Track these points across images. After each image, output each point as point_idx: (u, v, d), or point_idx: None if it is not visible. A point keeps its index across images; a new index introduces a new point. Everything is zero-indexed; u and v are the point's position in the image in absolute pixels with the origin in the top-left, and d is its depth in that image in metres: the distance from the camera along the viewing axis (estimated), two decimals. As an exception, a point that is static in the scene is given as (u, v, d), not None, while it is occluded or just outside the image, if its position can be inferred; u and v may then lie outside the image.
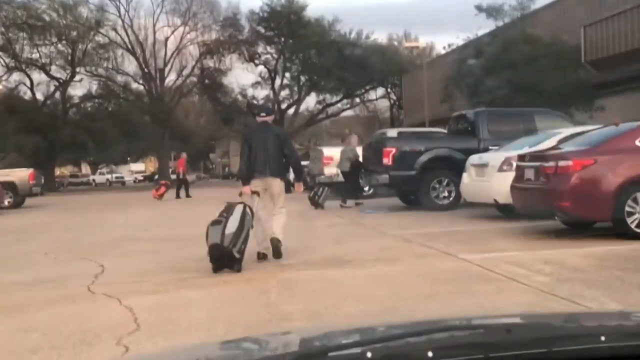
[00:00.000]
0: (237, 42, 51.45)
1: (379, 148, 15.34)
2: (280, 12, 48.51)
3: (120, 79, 52.87)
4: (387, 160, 14.75)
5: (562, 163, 8.68)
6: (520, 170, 9.83)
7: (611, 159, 8.64)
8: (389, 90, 53.33)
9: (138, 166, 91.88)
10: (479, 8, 26.26)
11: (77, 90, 53.15)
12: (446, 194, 14.71)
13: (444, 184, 14.72)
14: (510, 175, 10.35)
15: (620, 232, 8.53)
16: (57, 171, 65.89)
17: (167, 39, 53.04)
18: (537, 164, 9.21)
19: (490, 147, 13.62)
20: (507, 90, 22.96)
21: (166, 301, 6.04)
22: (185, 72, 53.91)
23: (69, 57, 48.31)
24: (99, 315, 5.55)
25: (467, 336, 1.46)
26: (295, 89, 53.71)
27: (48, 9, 46.08)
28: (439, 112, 29.69)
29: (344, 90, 52.17)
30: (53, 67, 49.10)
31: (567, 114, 18.05)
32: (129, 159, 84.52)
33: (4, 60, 47.52)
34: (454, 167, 14.17)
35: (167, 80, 54.24)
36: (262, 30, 50.71)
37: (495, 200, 11.58)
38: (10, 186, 23.40)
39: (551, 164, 8.83)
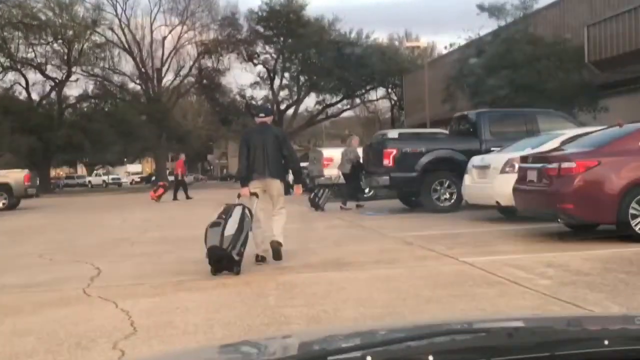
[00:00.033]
0: (235, 41, 51.47)
1: (379, 149, 15.33)
2: (279, 11, 48.54)
3: (116, 79, 53.00)
4: (387, 162, 14.75)
5: (565, 165, 8.68)
6: (522, 172, 9.84)
7: (615, 160, 8.64)
8: (389, 90, 53.38)
9: (135, 167, 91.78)
10: (481, 7, 26.28)
11: (73, 90, 53.33)
12: (447, 195, 14.71)
13: (446, 185, 14.72)
14: (513, 177, 10.36)
15: (624, 234, 8.53)
16: (53, 172, 65.92)
17: (164, 38, 53.19)
18: (540, 165, 9.21)
19: (492, 149, 13.62)
20: (509, 90, 23.00)
21: (163, 304, 6.04)
22: (183, 72, 54.01)
23: (65, 57, 48.31)
24: (94, 319, 5.55)
25: (469, 340, 1.46)
26: (295, 89, 53.74)
27: (44, 7, 46.11)
28: (440, 113, 29.71)
29: (343, 91, 52.20)
30: (49, 67, 49.23)
31: (570, 115, 18.06)
32: (125, 160, 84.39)
33: (-1, 60, 47.60)
34: (455, 169, 14.17)
35: (164, 80, 54.37)
36: (261, 30, 50.74)
37: (497, 202, 11.58)
38: (5, 187, 23.42)
39: (554, 165, 8.83)
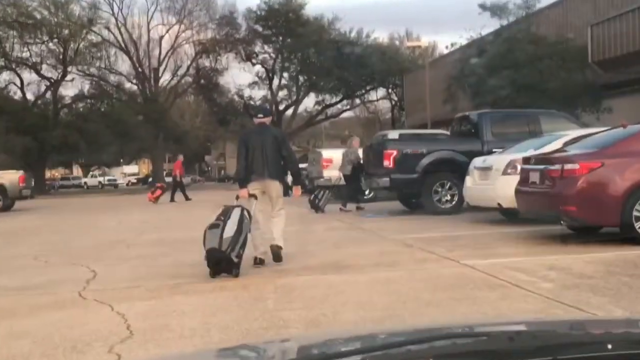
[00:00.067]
0: (233, 41, 51.45)
1: (379, 150, 15.34)
2: (278, 10, 48.54)
3: (113, 78, 52.95)
4: (388, 163, 14.75)
5: (568, 166, 8.68)
6: (525, 174, 9.84)
7: (619, 162, 8.64)
8: (390, 90, 53.36)
9: (131, 168, 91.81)
10: (483, 7, 26.30)
11: (68, 90, 53.26)
12: (449, 197, 14.71)
13: (447, 187, 14.71)
14: (515, 178, 10.36)
15: (628, 237, 8.52)
16: (48, 173, 65.88)
17: (161, 37, 53.18)
18: (543, 167, 9.21)
19: (494, 150, 13.62)
20: (511, 90, 23.00)
21: (160, 307, 6.04)
22: (180, 71, 54.03)
23: (61, 56, 48.29)
24: (90, 322, 5.55)
25: (470, 344, 1.46)
26: (294, 89, 53.71)
27: (39, 6, 46.08)
28: (441, 113, 29.72)
29: (343, 91, 52.19)
30: (44, 66, 49.18)
31: (574, 116, 18.08)
32: (121, 161, 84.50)
33: (-6, 59, 47.60)
34: (456, 170, 14.17)
35: (161, 80, 54.30)
36: (260, 29, 50.73)
37: (499, 204, 11.58)
38: (-1, 188, 23.41)
39: (557, 167, 8.84)
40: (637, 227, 8.49)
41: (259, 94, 54.71)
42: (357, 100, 57.46)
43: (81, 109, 52.41)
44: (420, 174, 14.62)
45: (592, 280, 6.37)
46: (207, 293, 6.59)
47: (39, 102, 50.75)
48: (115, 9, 51.25)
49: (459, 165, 14.08)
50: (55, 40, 47.59)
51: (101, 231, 14.74)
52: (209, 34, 52.26)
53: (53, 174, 79.46)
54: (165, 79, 54.56)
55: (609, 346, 1.36)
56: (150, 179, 58.75)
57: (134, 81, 53.63)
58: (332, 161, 20.59)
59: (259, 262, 8.02)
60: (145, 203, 25.61)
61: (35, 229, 15.97)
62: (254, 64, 53.05)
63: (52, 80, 49.78)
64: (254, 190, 8.15)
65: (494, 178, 11.76)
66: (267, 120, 8.62)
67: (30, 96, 50.55)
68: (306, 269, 7.77)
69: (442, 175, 14.71)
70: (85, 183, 76.51)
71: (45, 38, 47.28)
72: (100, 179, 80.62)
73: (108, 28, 50.68)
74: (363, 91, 54.02)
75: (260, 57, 53.07)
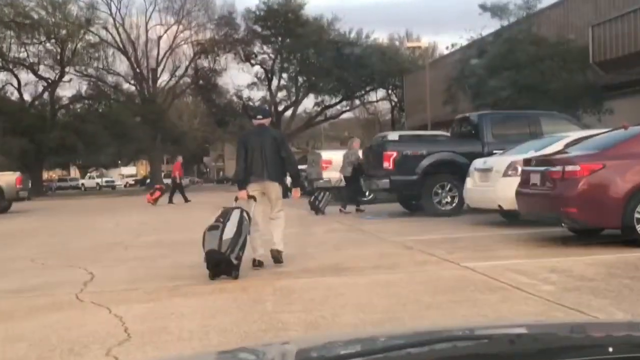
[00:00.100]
0: (232, 41, 51.48)
1: (379, 151, 15.34)
2: (277, 11, 48.56)
3: (111, 79, 53.00)
4: (387, 165, 14.75)
5: (569, 168, 8.68)
6: (525, 175, 9.84)
7: (620, 163, 8.64)
8: (389, 91, 53.38)
9: (129, 170, 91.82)
10: (483, 7, 26.33)
11: (66, 91, 53.27)
12: (449, 199, 14.71)
13: (447, 189, 14.71)
14: (516, 180, 10.37)
15: (630, 239, 8.52)
16: (45, 175, 65.95)
17: (159, 37, 53.21)
18: (543, 168, 9.22)
19: (494, 151, 13.62)
20: (512, 91, 23.02)
21: (158, 310, 6.04)
22: (179, 72, 54.05)
23: (58, 57, 48.31)
24: (87, 324, 5.54)
25: (470, 347, 1.46)
26: (293, 90, 53.73)
27: (36, 6, 46.11)
28: (441, 115, 29.73)
29: (343, 92, 52.20)
30: (41, 67, 49.23)
31: (575, 117, 18.09)
32: (119, 162, 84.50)
33: (-9, 60, 47.59)
34: (457, 172, 14.18)
35: (159, 81, 54.39)
36: (259, 29, 50.76)
37: (499, 206, 11.59)
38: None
39: (558, 168, 8.84)
40: (638, 230, 8.49)
41: (257, 94, 54.89)
42: (357, 101, 57.46)
43: (79, 110, 52.44)
44: (420, 175, 14.63)
45: (593, 283, 6.38)
46: (206, 295, 6.59)
47: (36, 103, 50.76)
48: (113, 9, 51.37)
49: (459, 166, 14.08)
50: (53, 40, 47.62)
51: (99, 233, 14.73)
52: (208, 34, 52.38)
53: (50, 175, 79.53)
54: (163, 79, 54.72)
55: (610, 349, 1.37)
56: (148, 181, 58.75)
57: (132, 82, 53.67)
58: (332, 162, 20.59)
59: (257, 264, 8.02)
60: (143, 204, 25.60)
61: (33, 231, 15.97)
62: (252, 65, 53.14)
63: (50, 81, 49.80)
64: (254, 192, 8.16)
65: (495, 180, 11.76)
66: (267, 121, 8.62)
67: (27, 97, 50.68)
68: (305, 271, 7.77)
69: (442, 177, 14.71)
70: (82, 184, 76.49)
71: (43, 38, 47.31)
72: (98, 180, 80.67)
73: (106, 28, 50.77)
74: (363, 92, 54.04)
75: (259, 57, 53.18)
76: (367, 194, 18.80)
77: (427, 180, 14.64)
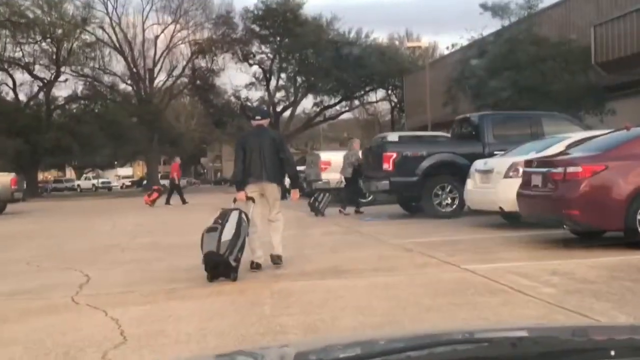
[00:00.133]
0: (230, 41, 51.48)
1: (378, 153, 15.34)
2: (275, 10, 48.56)
3: (107, 79, 53.04)
4: (387, 166, 14.75)
5: (571, 169, 8.69)
6: (527, 177, 9.85)
7: (622, 165, 8.65)
8: (389, 92, 53.38)
9: (125, 171, 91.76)
10: (484, 6, 26.32)
11: (61, 91, 53.33)
12: (449, 201, 14.71)
13: (447, 190, 14.72)
14: (517, 181, 10.37)
15: (632, 241, 8.52)
16: (41, 176, 65.86)
17: (156, 37, 53.24)
18: (545, 170, 9.22)
19: (495, 152, 13.62)
20: (513, 92, 23.03)
21: (154, 312, 6.03)
22: (176, 72, 54.06)
23: (54, 56, 48.31)
24: (83, 328, 5.54)
25: (471, 350, 1.46)
26: (291, 90, 53.74)
27: (32, 5, 46.07)
28: (441, 115, 29.74)
29: (342, 92, 52.22)
30: (37, 67, 49.22)
31: (576, 118, 18.09)
32: (116, 163, 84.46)
33: (-15, 60, 47.58)
34: (457, 173, 14.18)
35: (156, 81, 54.41)
36: (257, 29, 50.76)
37: (500, 208, 11.59)
38: (-9, 191, 23.36)
39: (559, 170, 8.84)
40: (641, 232, 8.50)
41: (256, 95, 54.92)
42: (356, 102, 57.49)
43: (74, 110, 52.42)
44: (420, 177, 14.63)
45: (595, 286, 6.38)
46: (203, 298, 6.59)
47: (32, 103, 50.77)
48: (110, 8, 51.36)
49: (460, 168, 14.09)
50: (49, 39, 47.62)
51: (95, 235, 14.73)
52: (205, 33, 52.41)
53: (46, 176, 79.42)
54: (160, 79, 54.72)
55: (612, 353, 1.37)
56: (145, 182, 58.74)
57: (129, 82, 53.71)
58: (331, 164, 20.58)
59: (255, 266, 8.02)
60: (140, 206, 25.60)
61: (28, 233, 15.96)
62: (251, 65, 53.14)
63: (45, 81, 49.81)
64: (252, 193, 8.16)
65: (496, 181, 11.77)
66: (265, 122, 8.63)
67: (22, 97, 50.72)
68: (304, 274, 7.77)
69: (442, 178, 14.72)
70: (78, 186, 76.45)
71: (38, 38, 47.29)
72: (94, 181, 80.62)
73: (102, 27, 50.78)
74: (362, 92, 54.05)
75: (258, 57, 53.17)
76: (367, 195, 18.78)
77: (427, 182, 14.64)
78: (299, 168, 16.31)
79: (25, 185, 28.10)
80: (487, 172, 12.31)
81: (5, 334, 5.49)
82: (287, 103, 54.37)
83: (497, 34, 26.41)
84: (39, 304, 6.61)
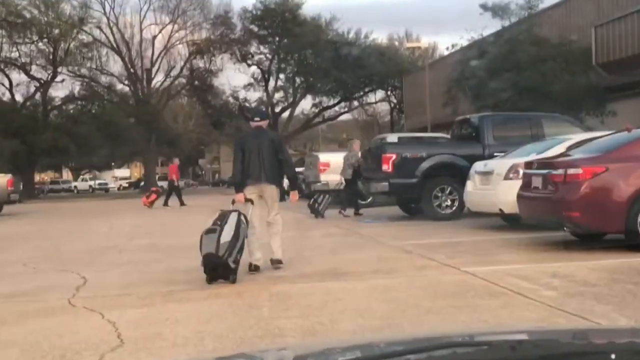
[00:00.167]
0: (228, 41, 51.50)
1: (378, 154, 15.34)
2: (274, 10, 48.59)
3: (104, 79, 52.96)
4: (386, 167, 14.75)
5: (571, 171, 8.69)
6: (527, 178, 9.85)
7: (623, 166, 8.65)
8: (389, 92, 53.41)
9: (123, 172, 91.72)
10: (484, 7, 26.35)
11: (58, 92, 53.27)
12: (449, 202, 14.71)
13: (447, 192, 14.72)
14: (517, 183, 10.37)
15: (633, 244, 8.52)
16: (37, 177, 65.81)
17: (154, 37, 53.23)
18: (545, 171, 9.22)
19: (495, 154, 13.63)
20: (513, 93, 23.04)
21: (152, 315, 6.03)
22: (174, 72, 54.09)
23: (51, 57, 48.26)
24: (80, 330, 5.54)
25: (470, 353, 1.47)
26: (290, 91, 53.76)
27: (29, 5, 46.02)
28: (441, 116, 29.75)
29: (341, 93, 52.23)
30: (33, 67, 49.15)
31: (577, 119, 18.11)
32: (113, 164, 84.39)
33: (-19, 60, 47.54)
34: (457, 175, 14.18)
35: (154, 81, 54.36)
36: (255, 29, 50.79)
37: (500, 210, 11.59)
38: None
39: (560, 171, 8.85)
40: (642, 234, 8.50)
41: (254, 95, 54.91)
42: (355, 103, 57.51)
43: (71, 111, 52.36)
44: (419, 178, 14.63)
45: (595, 288, 6.38)
46: (201, 301, 6.58)
47: (28, 103, 50.69)
48: (107, 8, 51.41)
49: (460, 169, 14.09)
50: (45, 40, 47.55)
51: (92, 236, 14.72)
52: (203, 34, 52.43)
53: (42, 177, 79.41)
54: (158, 80, 54.71)
55: (613, 356, 1.37)
56: (142, 183, 58.70)
57: (126, 82, 53.67)
58: (330, 165, 20.58)
59: (254, 268, 8.02)
60: (138, 207, 25.59)
61: (24, 234, 15.95)
62: (249, 65, 53.16)
63: (42, 81, 49.74)
64: (251, 195, 8.16)
65: (496, 183, 11.77)
66: (264, 123, 8.62)
67: (19, 98, 50.62)
68: (302, 276, 7.77)
69: (442, 180, 14.71)
70: (75, 187, 76.35)
71: (35, 38, 47.23)
72: (91, 182, 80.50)
73: (99, 27, 50.77)
74: (361, 93, 54.07)
75: (256, 58, 53.21)
76: (366, 197, 18.77)
77: (427, 183, 14.64)
78: (298, 169, 16.32)
79: (21, 187, 28.11)
80: (487, 174, 12.31)
81: (1, 336, 5.49)
82: (286, 104, 54.40)
83: (497, 35, 26.42)
84: (35, 306, 6.61)
